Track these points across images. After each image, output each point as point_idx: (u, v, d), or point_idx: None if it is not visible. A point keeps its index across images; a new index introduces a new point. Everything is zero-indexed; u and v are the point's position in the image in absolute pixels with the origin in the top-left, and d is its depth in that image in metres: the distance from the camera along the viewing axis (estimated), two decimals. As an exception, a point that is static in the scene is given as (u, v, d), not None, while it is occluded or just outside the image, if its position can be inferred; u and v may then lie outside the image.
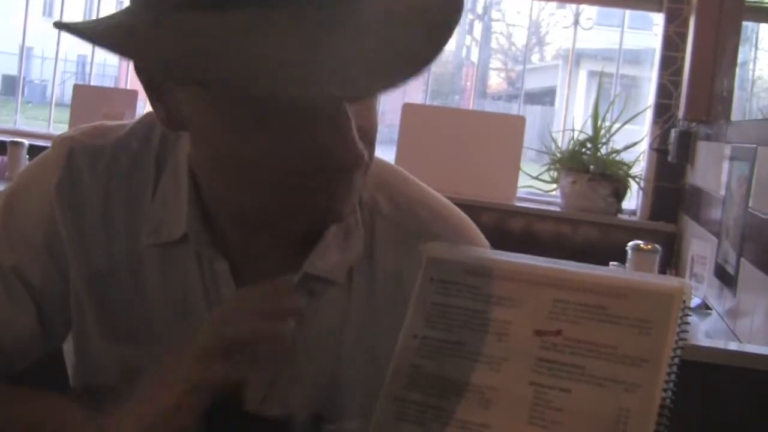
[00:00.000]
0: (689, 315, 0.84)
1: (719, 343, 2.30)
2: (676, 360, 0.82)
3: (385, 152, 4.53)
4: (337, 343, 1.08)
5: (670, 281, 0.86)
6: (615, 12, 4.72)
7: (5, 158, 4.06)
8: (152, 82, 0.95)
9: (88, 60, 5.14)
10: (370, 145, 0.96)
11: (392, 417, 0.90)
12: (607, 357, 0.84)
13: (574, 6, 4.52)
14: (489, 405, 0.86)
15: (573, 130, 4.10)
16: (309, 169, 0.91)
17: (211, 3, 0.82)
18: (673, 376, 0.82)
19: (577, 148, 3.96)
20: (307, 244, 1.06)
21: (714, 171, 3.22)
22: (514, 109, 4.96)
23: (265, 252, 1.06)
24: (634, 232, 3.73)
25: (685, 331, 0.83)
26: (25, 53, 5.37)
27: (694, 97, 3.65)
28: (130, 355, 1.08)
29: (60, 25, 0.89)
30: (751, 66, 3.57)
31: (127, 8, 0.89)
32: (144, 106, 4.59)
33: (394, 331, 1.01)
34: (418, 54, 0.84)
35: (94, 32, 0.86)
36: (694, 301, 2.81)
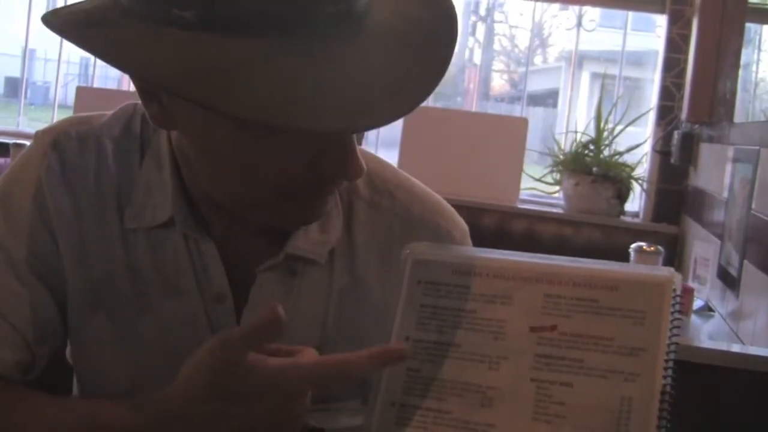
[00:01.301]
0: (680, 303, 0.86)
1: (722, 345, 2.30)
2: (673, 347, 0.84)
3: (388, 154, 4.53)
4: (321, 323, 1.10)
5: (659, 271, 0.88)
6: (618, 14, 4.72)
7: (8, 160, 4.06)
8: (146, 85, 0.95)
9: (91, 62, 5.15)
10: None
11: (392, 423, 0.90)
12: (605, 349, 0.85)
13: (576, 8, 4.52)
14: (492, 404, 0.87)
15: (576, 132, 4.10)
16: (308, 179, 0.93)
17: (221, 25, 0.82)
18: (671, 363, 0.83)
19: (579, 150, 3.96)
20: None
21: (717, 173, 3.22)
22: (516, 111, 4.95)
23: (248, 233, 1.08)
24: (637, 233, 3.73)
25: (679, 319, 0.85)
26: (27, 55, 5.37)
27: (697, 98, 3.65)
28: (125, 337, 1.09)
29: (49, 25, 0.89)
30: (754, 68, 3.57)
31: (124, 11, 0.87)
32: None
33: (376, 310, 1.05)
34: (421, 83, 0.87)
35: (89, 40, 0.87)
36: (697, 303, 2.81)
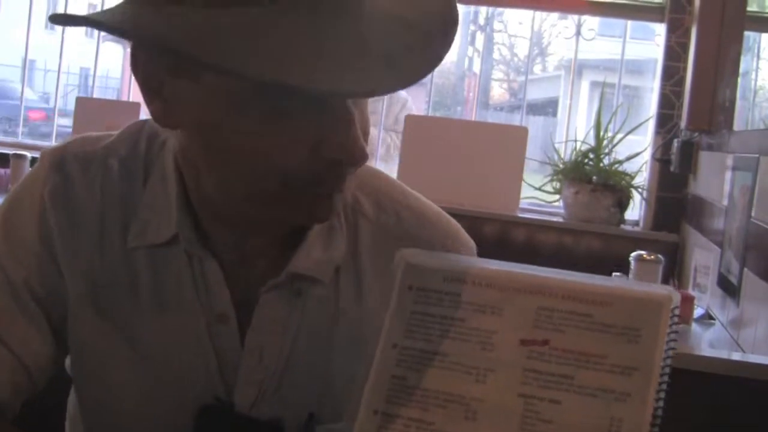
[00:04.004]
0: (678, 324, 0.83)
1: (723, 353, 2.29)
2: (667, 369, 0.81)
3: (388, 163, 4.52)
4: (327, 342, 1.09)
5: (657, 289, 0.85)
6: (617, 22, 4.72)
7: (8, 171, 4.06)
8: (152, 78, 0.95)
9: (91, 72, 5.16)
10: (365, 143, 0.96)
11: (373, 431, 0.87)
12: (596, 366, 0.82)
13: (576, 17, 4.52)
14: (476, 417, 0.84)
15: (575, 140, 4.10)
16: (313, 163, 0.92)
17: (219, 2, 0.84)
18: (664, 385, 0.81)
19: (579, 158, 3.96)
20: (291, 244, 1.07)
21: (716, 181, 3.22)
22: (516, 119, 4.96)
23: (252, 252, 1.07)
24: (637, 242, 3.73)
25: (674, 340, 0.82)
26: (27, 66, 5.38)
27: (696, 107, 3.65)
28: (129, 356, 1.08)
29: (61, 19, 0.89)
30: (753, 76, 3.57)
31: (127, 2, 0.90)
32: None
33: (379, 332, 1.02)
34: (424, 57, 0.87)
35: (102, 21, 0.87)
36: (697, 311, 2.81)
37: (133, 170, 1.10)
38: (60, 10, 5.04)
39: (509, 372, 0.85)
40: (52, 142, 4.85)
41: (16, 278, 1.08)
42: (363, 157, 0.93)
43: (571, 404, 0.82)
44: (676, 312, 0.83)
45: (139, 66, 0.95)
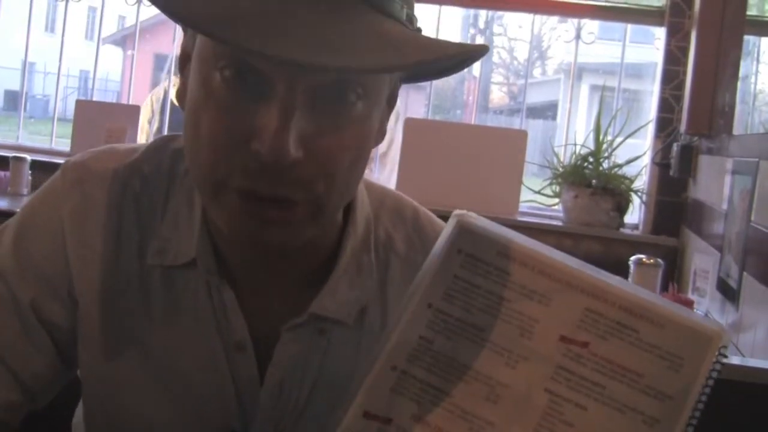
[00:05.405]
0: (723, 362, 0.81)
1: (722, 358, 2.28)
2: (701, 405, 0.79)
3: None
4: (349, 382, 1.04)
5: (710, 323, 0.83)
6: (616, 26, 4.71)
7: (8, 173, 4.06)
8: (183, 52, 0.96)
9: (90, 75, 5.15)
10: (327, 177, 0.88)
11: (387, 387, 0.83)
12: (631, 383, 0.80)
13: (575, 20, 4.52)
14: (497, 401, 0.81)
15: (575, 144, 4.10)
16: (234, 137, 0.86)
17: None
18: (694, 420, 0.79)
19: (579, 162, 3.96)
20: (317, 281, 1.04)
21: (716, 185, 3.22)
22: (515, 123, 4.95)
23: (273, 286, 1.05)
24: (637, 246, 3.73)
25: (714, 378, 0.80)
26: (27, 68, 5.37)
27: (696, 111, 3.65)
28: (143, 378, 1.06)
29: None
30: (752, 80, 3.57)
31: None
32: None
33: None
34: (399, 55, 0.81)
35: None
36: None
37: (154, 188, 1.07)
38: (60, 13, 5.05)
39: (542, 365, 0.82)
40: (52, 145, 4.86)
41: (22, 297, 1.05)
42: (275, 151, 0.82)
43: (597, 413, 0.79)
44: (723, 351, 0.81)
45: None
